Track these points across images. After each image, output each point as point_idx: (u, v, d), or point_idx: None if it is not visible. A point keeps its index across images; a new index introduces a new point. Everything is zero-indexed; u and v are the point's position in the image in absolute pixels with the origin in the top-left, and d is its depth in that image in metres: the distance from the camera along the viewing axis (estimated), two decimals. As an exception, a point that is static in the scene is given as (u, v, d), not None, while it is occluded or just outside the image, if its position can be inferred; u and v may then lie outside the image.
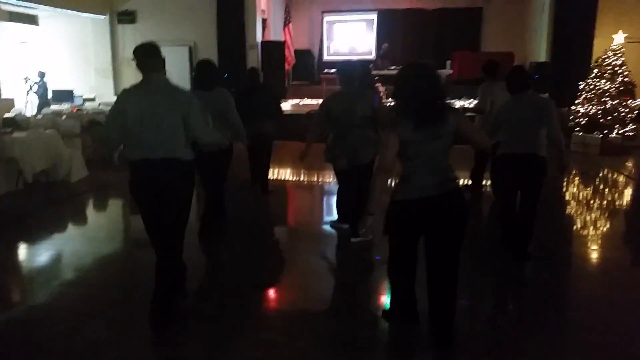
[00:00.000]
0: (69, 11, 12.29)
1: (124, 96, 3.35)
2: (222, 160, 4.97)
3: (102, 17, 13.38)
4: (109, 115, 3.41)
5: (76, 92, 12.47)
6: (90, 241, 5.25)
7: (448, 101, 2.99)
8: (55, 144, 7.43)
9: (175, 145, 3.29)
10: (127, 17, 13.45)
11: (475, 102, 6.69)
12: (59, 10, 12.00)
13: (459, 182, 3.03)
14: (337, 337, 3.35)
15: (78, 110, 10.52)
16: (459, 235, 2.94)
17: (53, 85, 12.62)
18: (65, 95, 12.27)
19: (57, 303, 3.88)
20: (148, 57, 3.40)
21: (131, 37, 13.46)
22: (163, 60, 3.43)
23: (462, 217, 2.96)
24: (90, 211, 6.81)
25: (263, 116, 6.50)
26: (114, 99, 12.71)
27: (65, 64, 13.60)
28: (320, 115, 4.97)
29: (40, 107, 11.64)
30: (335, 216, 5.38)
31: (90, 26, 13.49)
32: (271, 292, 4.20)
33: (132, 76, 13.27)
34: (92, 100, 12.67)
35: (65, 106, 11.32)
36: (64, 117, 9.25)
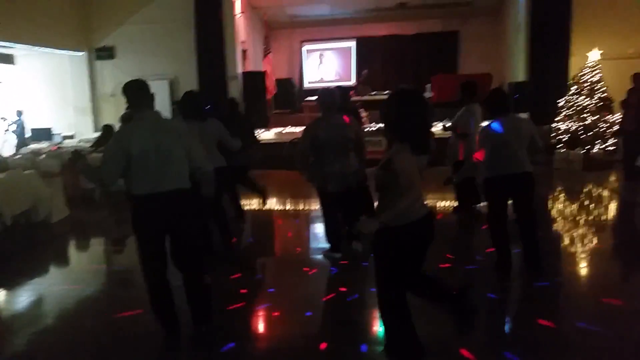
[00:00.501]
0: (46, 49, 12.21)
1: (126, 133, 3.39)
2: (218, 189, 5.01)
3: (80, 53, 13.32)
4: (110, 153, 3.38)
5: (55, 130, 12.33)
6: (73, 284, 5.05)
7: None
8: (35, 184, 7.24)
9: (182, 176, 3.48)
10: (105, 52, 13.40)
11: (451, 122, 6.69)
12: (35, 48, 11.91)
13: None
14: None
15: (58, 148, 10.37)
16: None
17: (31, 123, 12.47)
18: (43, 134, 12.12)
19: (38, 351, 3.69)
20: (142, 93, 3.49)
21: (110, 72, 13.42)
22: (153, 96, 3.54)
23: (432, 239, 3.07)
24: (72, 252, 6.60)
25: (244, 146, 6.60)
26: (94, 135, 12.61)
27: (43, 102, 13.47)
28: (305, 143, 4.96)
29: (18, 147, 11.47)
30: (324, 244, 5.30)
31: (68, 63, 13.41)
32: (264, 329, 4.06)
33: (111, 112, 13.15)
34: (72, 137, 12.52)
35: (44, 145, 11.14)
36: (43, 156, 9.09)
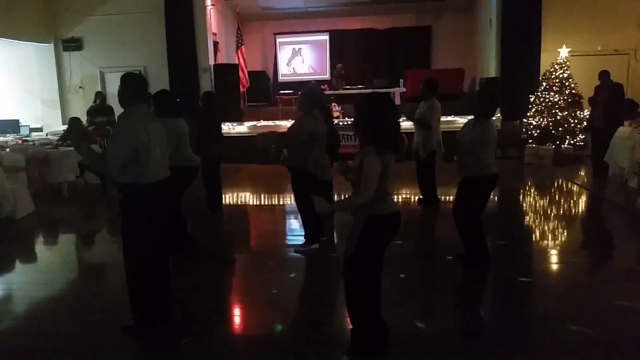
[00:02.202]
0: (11, 40, 11.83)
1: (134, 126, 3.45)
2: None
3: (47, 45, 12.94)
4: (122, 147, 3.43)
5: (22, 122, 11.94)
6: (38, 282, 4.90)
7: None
8: (-2, 178, 7.01)
9: (167, 165, 3.80)
10: (73, 44, 13.02)
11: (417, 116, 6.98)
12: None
13: None
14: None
15: (24, 141, 10.07)
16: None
17: (-3, 115, 12.07)
18: (11, 125, 11.71)
19: (4, 354, 3.57)
20: (144, 89, 3.72)
21: (78, 64, 13.07)
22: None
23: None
24: (39, 248, 6.40)
25: (220, 139, 6.92)
26: (62, 128, 12.26)
27: (9, 94, 13.04)
28: (301, 138, 5.06)
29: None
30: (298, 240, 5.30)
31: (35, 54, 13.00)
32: (240, 320, 4.01)
33: (80, 105, 12.82)
34: (40, 130, 12.17)
35: (9, 138, 10.80)
36: (7, 149, 8.82)
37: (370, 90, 10.98)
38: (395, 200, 3.31)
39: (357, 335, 3.27)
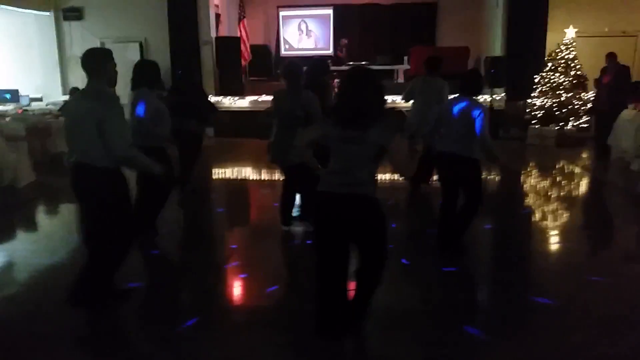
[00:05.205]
0: (10, 7, 11.65)
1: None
2: None
3: (47, 13, 12.75)
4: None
5: (22, 92, 11.83)
6: (40, 250, 4.91)
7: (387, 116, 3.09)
8: (-1, 148, 6.98)
9: None
10: (73, 13, 12.82)
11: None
12: (-1, 6, 11.37)
13: (372, 190, 2.99)
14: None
15: (24, 111, 9.99)
16: (370, 239, 3.02)
17: (-2, 84, 11.95)
18: (10, 95, 11.60)
19: (7, 322, 3.59)
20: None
21: (78, 34, 12.90)
22: None
23: (365, 224, 2.99)
24: (41, 217, 6.41)
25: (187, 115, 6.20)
26: (62, 98, 12.17)
27: (8, 63, 12.89)
28: (269, 110, 5.03)
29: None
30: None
31: (34, 23, 12.81)
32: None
33: (80, 75, 12.68)
34: (40, 100, 12.08)
35: (9, 107, 10.72)
36: (7, 119, 8.76)
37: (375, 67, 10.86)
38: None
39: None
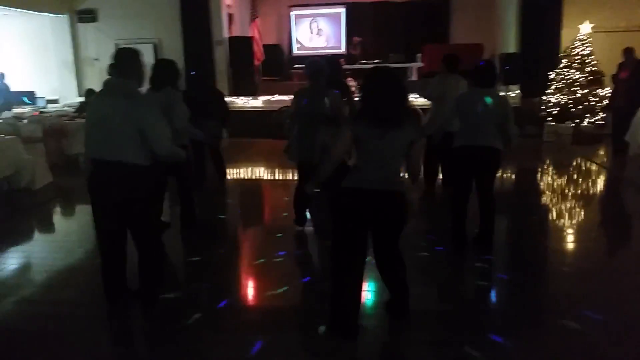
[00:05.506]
0: (25, 11, 11.79)
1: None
2: None
3: (62, 16, 12.89)
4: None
5: (38, 94, 11.98)
6: (57, 252, 4.96)
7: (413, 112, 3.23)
8: (16, 150, 7.06)
9: None
10: (87, 15, 12.97)
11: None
12: (14, 9, 11.50)
13: (404, 187, 3.12)
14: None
15: (40, 113, 10.11)
16: (392, 233, 3.15)
17: (13, 87, 12.08)
18: (27, 97, 11.74)
19: (17, 322, 3.62)
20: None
21: (93, 36, 13.04)
22: None
23: (394, 218, 3.10)
24: (58, 218, 6.49)
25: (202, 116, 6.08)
26: (77, 100, 12.25)
27: (25, 65, 13.06)
28: (290, 110, 4.98)
29: (0, 111, 11.12)
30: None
31: (50, 25, 12.96)
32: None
33: (95, 76, 12.74)
34: (56, 102, 12.22)
35: (26, 109, 10.84)
36: (25, 121, 8.87)
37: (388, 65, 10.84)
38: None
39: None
